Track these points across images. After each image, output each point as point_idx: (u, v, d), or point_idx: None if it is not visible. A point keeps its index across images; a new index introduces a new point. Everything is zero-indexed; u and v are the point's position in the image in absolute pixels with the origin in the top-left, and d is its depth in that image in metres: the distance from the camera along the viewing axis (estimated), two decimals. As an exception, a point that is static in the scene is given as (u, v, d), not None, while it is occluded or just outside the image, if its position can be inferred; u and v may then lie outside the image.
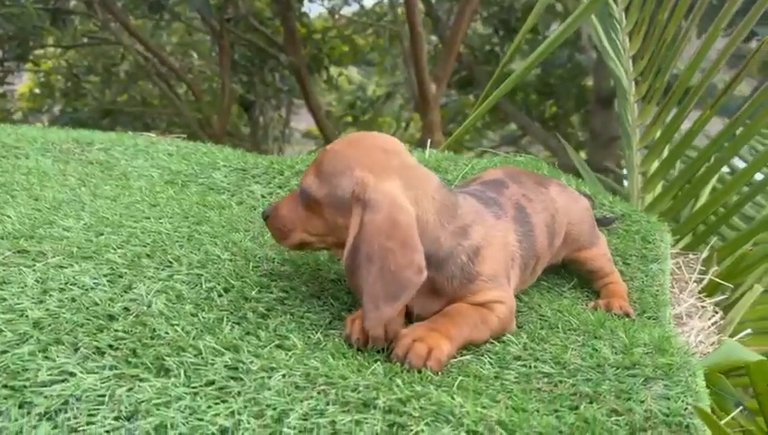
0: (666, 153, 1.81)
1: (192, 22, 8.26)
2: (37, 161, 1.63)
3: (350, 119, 10.45)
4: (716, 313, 1.25)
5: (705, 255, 1.48)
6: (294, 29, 7.24)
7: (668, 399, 0.79)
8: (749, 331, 1.24)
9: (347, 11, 9.77)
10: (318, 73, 9.07)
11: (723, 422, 0.79)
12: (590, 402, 0.80)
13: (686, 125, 1.76)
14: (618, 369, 0.86)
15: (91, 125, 6.74)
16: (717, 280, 1.44)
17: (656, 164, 1.82)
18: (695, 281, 1.37)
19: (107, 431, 0.72)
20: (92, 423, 0.73)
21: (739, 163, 2.05)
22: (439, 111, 6.88)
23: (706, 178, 1.71)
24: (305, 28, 8.74)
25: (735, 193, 1.68)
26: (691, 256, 1.50)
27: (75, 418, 0.73)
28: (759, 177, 1.73)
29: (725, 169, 1.96)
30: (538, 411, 0.77)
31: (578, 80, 9.28)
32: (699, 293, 1.43)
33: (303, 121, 10.95)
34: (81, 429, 0.72)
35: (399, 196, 0.91)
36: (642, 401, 0.79)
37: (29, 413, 0.74)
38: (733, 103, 2.04)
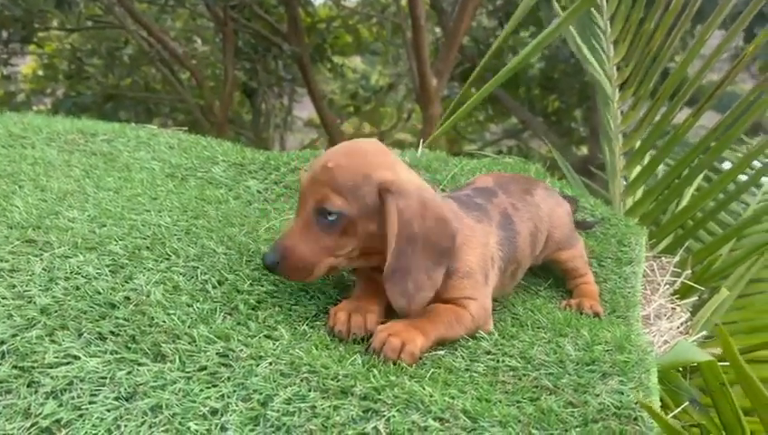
0: (647, 159, 1.87)
1: (196, 8, 8.30)
2: (43, 151, 1.70)
3: (351, 109, 10.48)
4: (684, 314, 1.32)
5: (677, 259, 1.56)
6: (298, 18, 7.28)
7: (622, 393, 0.87)
8: (704, 332, 1.31)
9: (351, 1, 9.80)
10: (321, 63, 9.11)
11: (670, 416, 0.86)
12: (550, 395, 0.87)
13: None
14: (578, 364, 0.93)
15: (93, 109, 6.80)
16: (690, 283, 1.51)
17: (638, 169, 1.89)
18: (667, 283, 1.44)
19: (107, 410, 0.79)
20: (94, 402, 0.80)
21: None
22: (440, 104, 6.93)
23: (685, 185, 1.78)
24: (309, 17, 8.78)
25: (713, 199, 1.74)
26: (664, 259, 1.57)
27: (79, 397, 0.81)
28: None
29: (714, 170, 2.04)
30: (501, 402, 0.84)
31: (581, 75, 9.29)
32: (673, 295, 1.51)
33: (305, 110, 10.99)
34: (84, 407, 0.80)
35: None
36: (597, 395, 0.86)
37: (36, 392, 0.81)
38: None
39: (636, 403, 0.84)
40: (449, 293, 1.04)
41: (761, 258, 1.77)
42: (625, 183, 1.89)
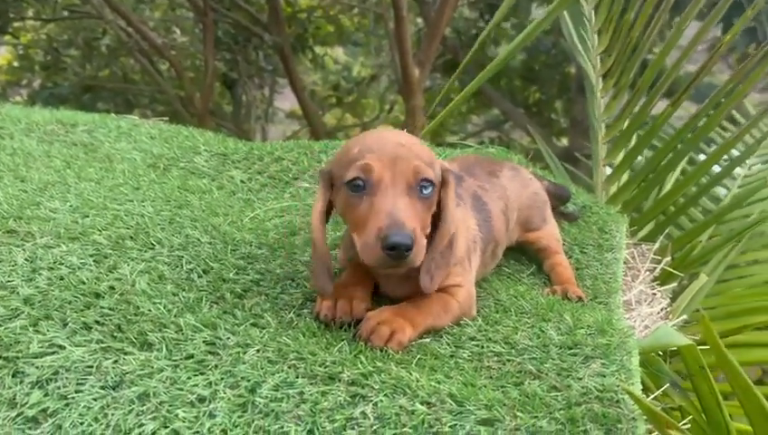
0: (629, 148, 1.89)
1: (176, -3, 8.19)
2: (22, 142, 1.68)
3: (333, 100, 10.43)
4: (664, 300, 1.35)
5: (657, 246, 1.58)
6: (279, 7, 7.22)
7: (604, 376, 0.88)
8: (685, 317, 1.34)
9: (332, -10, 9.72)
10: (303, 53, 9.05)
11: (650, 398, 0.88)
12: (534, 379, 0.88)
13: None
14: (561, 348, 0.95)
15: (71, 100, 6.70)
16: (670, 269, 1.54)
17: (620, 156, 1.91)
18: (647, 270, 1.46)
19: (94, 399, 0.79)
20: (80, 392, 0.80)
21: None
22: (423, 95, 6.92)
23: (666, 173, 1.81)
24: (290, 7, 8.70)
25: (694, 185, 1.77)
26: (644, 246, 1.60)
27: (65, 386, 0.80)
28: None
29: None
30: (486, 386, 0.85)
31: (562, 66, 9.33)
32: (654, 281, 1.53)
33: (287, 101, 10.91)
34: (70, 396, 0.79)
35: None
36: (580, 378, 0.88)
37: (22, 382, 0.81)
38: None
39: (617, 386, 0.85)
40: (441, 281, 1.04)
41: (737, 245, 1.80)
42: (609, 172, 1.92)
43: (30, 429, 0.77)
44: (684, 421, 1.02)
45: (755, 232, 1.89)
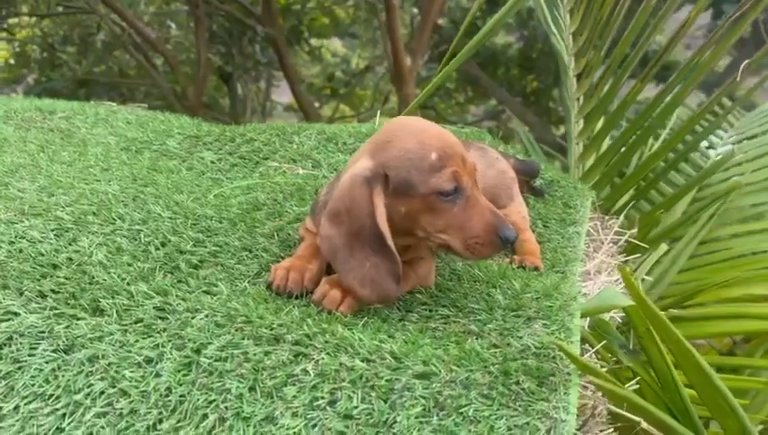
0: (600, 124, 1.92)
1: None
2: (-1, 128, 1.71)
3: (329, 92, 10.44)
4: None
5: (621, 219, 1.60)
6: (272, 0, 7.23)
7: (543, 335, 0.91)
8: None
9: (326, -19, 9.70)
10: (298, 45, 9.05)
11: (589, 354, 0.91)
12: (476, 338, 0.91)
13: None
14: (505, 311, 0.97)
15: (66, 95, 6.72)
16: (636, 241, 1.56)
17: (594, 133, 1.93)
18: (610, 242, 1.48)
19: (46, 362, 0.82)
20: (33, 355, 0.83)
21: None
22: (415, 84, 6.93)
23: (636, 148, 1.82)
24: (284, -1, 8.71)
25: (663, 161, 1.79)
26: (607, 218, 1.62)
27: (18, 350, 0.83)
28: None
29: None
30: (428, 345, 0.88)
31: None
32: (620, 254, 1.56)
33: (285, 95, 10.92)
34: (23, 359, 0.82)
35: None
36: (521, 337, 0.90)
37: (-23, 347, 0.84)
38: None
39: (555, 345, 0.88)
40: (407, 254, 1.07)
41: (710, 220, 1.82)
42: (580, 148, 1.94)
43: (-17, 391, 0.80)
44: (632, 382, 1.06)
45: (730, 207, 1.91)
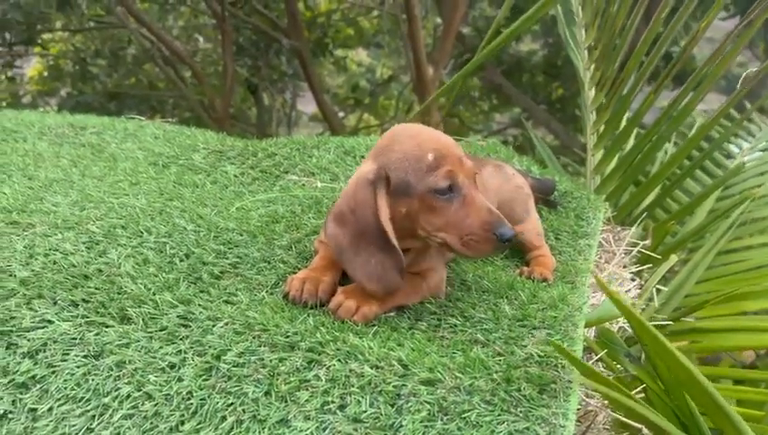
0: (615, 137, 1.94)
1: (198, 5, 8.39)
2: (34, 144, 1.80)
3: (352, 102, 10.53)
4: (634, 281, 1.39)
5: (634, 229, 1.62)
6: (297, 13, 7.34)
7: (548, 344, 0.94)
8: (651, 296, 1.38)
9: (350, -7, 9.82)
10: (323, 56, 9.16)
11: (593, 361, 0.94)
12: (482, 347, 0.95)
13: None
14: (512, 321, 1.01)
15: (98, 108, 6.90)
16: (648, 253, 1.58)
17: (608, 145, 1.96)
18: (623, 253, 1.50)
19: (77, 366, 0.89)
20: (65, 361, 0.89)
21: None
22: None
23: (649, 155, 1.84)
24: (310, 11, 8.84)
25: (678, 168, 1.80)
26: (619, 229, 1.64)
27: (52, 356, 0.90)
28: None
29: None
30: (435, 353, 0.92)
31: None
32: (634, 264, 1.58)
33: (311, 105, 11.05)
34: (56, 364, 0.89)
35: None
36: (525, 346, 0.94)
37: (14, 353, 0.91)
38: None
39: (554, 352, 0.91)
40: (419, 265, 1.12)
41: (729, 231, 1.83)
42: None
43: (20, 393, 0.87)
44: (638, 389, 1.08)
45: (747, 218, 1.91)
